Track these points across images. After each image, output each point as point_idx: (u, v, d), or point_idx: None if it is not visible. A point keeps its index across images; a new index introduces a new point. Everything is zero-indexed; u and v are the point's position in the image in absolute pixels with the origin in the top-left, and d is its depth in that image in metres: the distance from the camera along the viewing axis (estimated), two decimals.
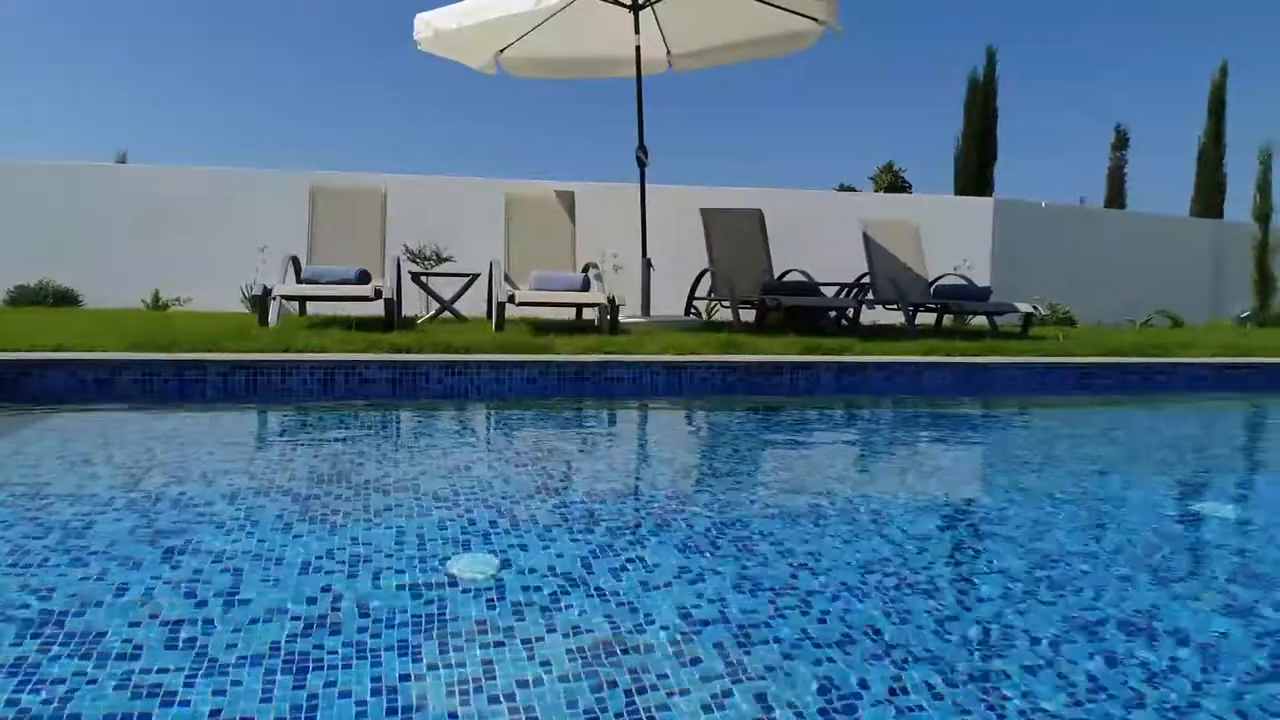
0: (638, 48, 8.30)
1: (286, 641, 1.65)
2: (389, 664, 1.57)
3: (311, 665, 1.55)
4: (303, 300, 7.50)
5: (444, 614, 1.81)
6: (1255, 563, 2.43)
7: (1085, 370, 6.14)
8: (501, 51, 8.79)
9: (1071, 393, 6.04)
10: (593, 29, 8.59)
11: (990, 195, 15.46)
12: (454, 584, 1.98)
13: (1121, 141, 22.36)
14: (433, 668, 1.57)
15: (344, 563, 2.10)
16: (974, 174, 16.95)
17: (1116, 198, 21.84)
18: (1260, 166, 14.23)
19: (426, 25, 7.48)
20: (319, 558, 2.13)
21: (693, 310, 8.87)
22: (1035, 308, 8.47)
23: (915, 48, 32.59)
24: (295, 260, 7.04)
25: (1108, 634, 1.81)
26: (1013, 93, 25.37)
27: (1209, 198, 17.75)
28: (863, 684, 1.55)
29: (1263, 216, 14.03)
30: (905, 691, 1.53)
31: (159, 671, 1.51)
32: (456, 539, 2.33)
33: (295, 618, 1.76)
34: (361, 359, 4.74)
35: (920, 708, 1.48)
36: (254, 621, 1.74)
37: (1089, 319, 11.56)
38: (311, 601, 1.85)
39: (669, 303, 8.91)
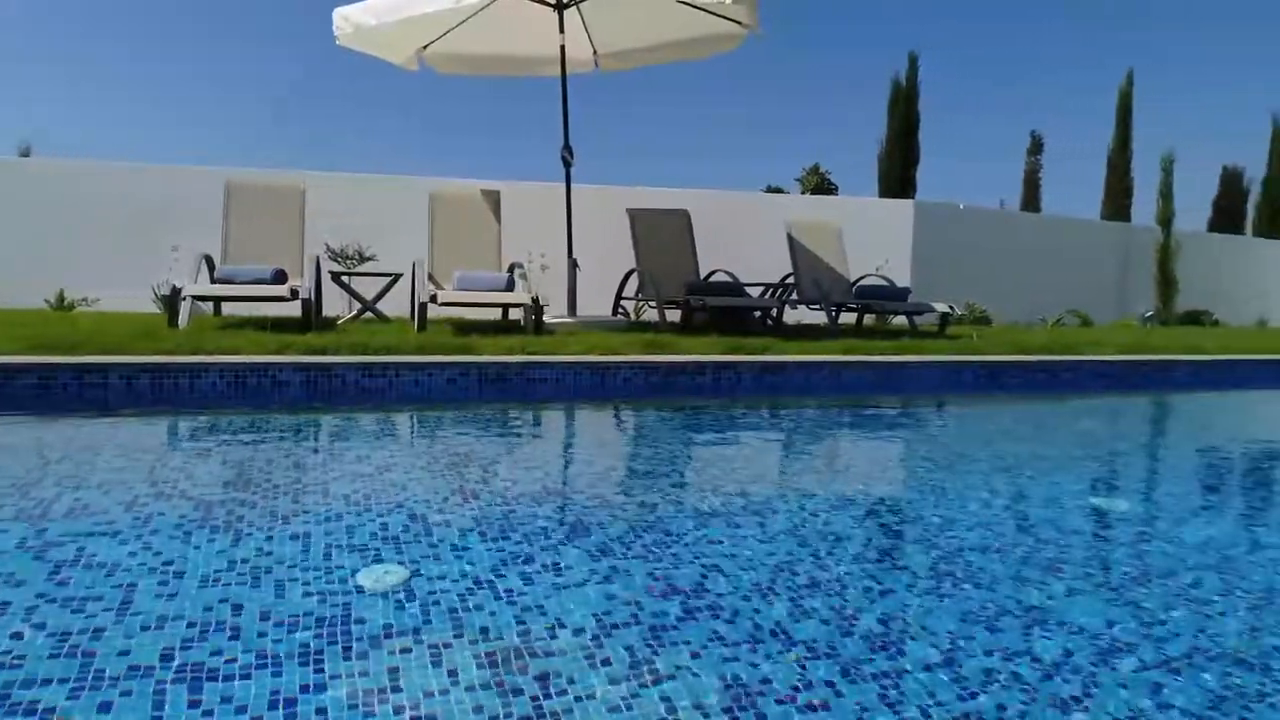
0: (562, 47, 8.28)
1: (180, 651, 1.61)
2: (289, 675, 1.54)
3: (206, 677, 1.52)
4: (217, 301, 7.28)
5: (349, 623, 1.78)
6: (1144, 554, 2.54)
7: (996, 368, 6.35)
8: (425, 48, 8.66)
9: (984, 390, 6.24)
10: (518, 27, 8.53)
11: (913, 197, 15.87)
12: (362, 592, 1.95)
13: (1037, 146, 23.15)
14: (335, 678, 1.55)
15: (245, 574, 2.05)
16: (898, 176, 17.38)
17: (1032, 201, 22.60)
18: (1162, 173, 14.93)
19: (346, 21, 7.31)
20: (219, 569, 2.07)
21: (620, 310, 8.89)
22: (952, 307, 8.72)
23: (845, 51, 33.26)
24: (208, 259, 6.83)
25: (1006, 626, 1.87)
26: (937, 96, 26.04)
27: (1117, 201, 18.52)
28: (766, 681, 1.57)
29: (1165, 221, 14.71)
30: (809, 687, 1.56)
31: (42, 683, 1.47)
32: (366, 546, 2.29)
33: (191, 624, 1.71)
34: (274, 361, 4.62)
35: (825, 705, 1.51)
36: (145, 634, 1.68)
37: (1004, 318, 11.95)
38: (208, 610, 1.80)
39: (598, 303, 8.91)
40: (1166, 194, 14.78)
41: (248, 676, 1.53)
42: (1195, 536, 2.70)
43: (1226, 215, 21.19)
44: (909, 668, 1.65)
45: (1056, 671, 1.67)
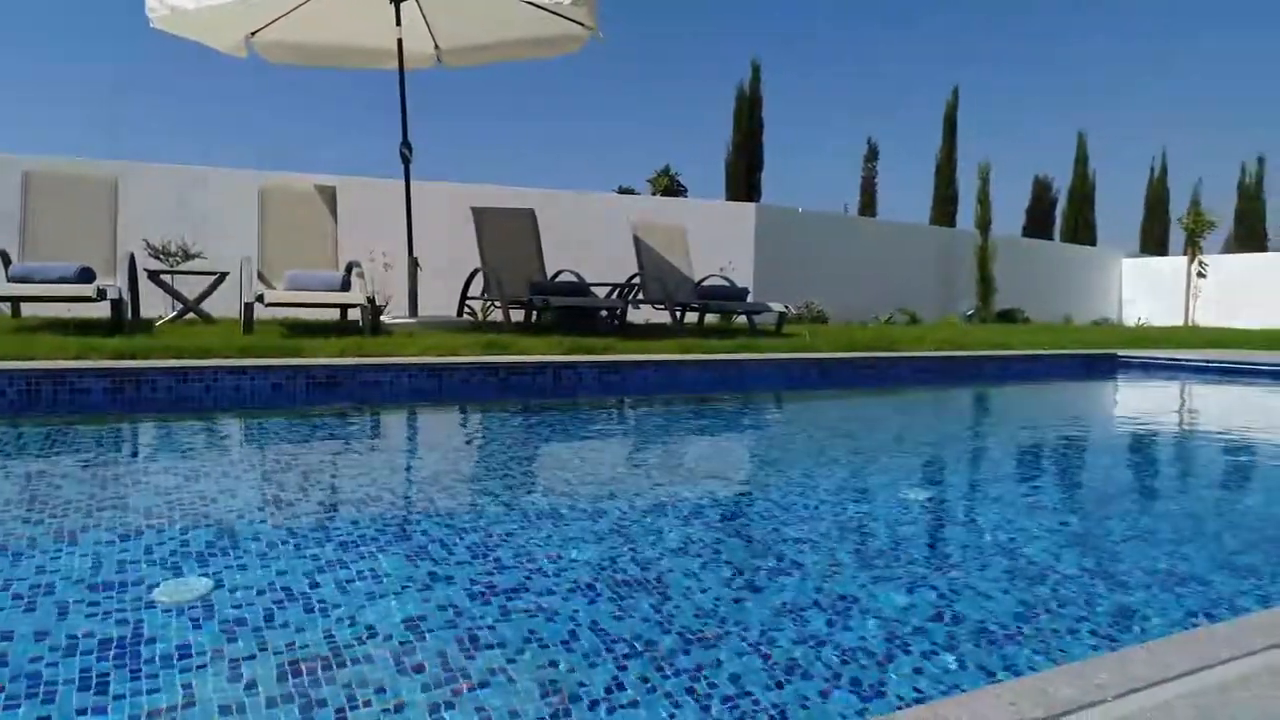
0: (399, 40, 8.07)
1: None
2: (65, 702, 1.43)
3: None
4: (15, 302, 6.67)
5: (141, 643, 1.67)
6: (940, 539, 2.72)
7: (826, 365, 6.67)
8: (253, 35, 8.24)
9: (815, 386, 6.54)
10: (354, 18, 8.26)
11: (758, 200, 16.42)
12: (156, 608, 1.83)
13: (873, 154, 24.41)
14: (119, 697, 1.45)
15: (21, 596, 1.89)
16: (743, 180, 17.94)
17: (870, 206, 23.80)
18: (979, 181, 16.09)
19: (161, 3, 6.86)
20: None
21: (466, 310, 8.77)
22: (787, 307, 9.09)
23: (699, 55, 34.04)
24: (4, 255, 6.25)
25: (812, 618, 1.95)
26: (783, 102, 27.05)
27: (944, 207, 19.82)
28: (583, 684, 1.58)
29: (983, 225, 15.87)
30: (622, 688, 1.57)
31: None
32: (165, 562, 2.16)
33: None
34: (72, 366, 4.27)
35: (635, 704, 1.52)
36: None
37: (840, 317, 12.56)
38: None
39: (447, 303, 8.75)
40: (984, 200, 15.94)
41: (15, 707, 1.42)
42: (983, 516, 2.92)
43: (1038, 222, 23.08)
44: (724, 659, 1.71)
45: (862, 659, 1.76)
